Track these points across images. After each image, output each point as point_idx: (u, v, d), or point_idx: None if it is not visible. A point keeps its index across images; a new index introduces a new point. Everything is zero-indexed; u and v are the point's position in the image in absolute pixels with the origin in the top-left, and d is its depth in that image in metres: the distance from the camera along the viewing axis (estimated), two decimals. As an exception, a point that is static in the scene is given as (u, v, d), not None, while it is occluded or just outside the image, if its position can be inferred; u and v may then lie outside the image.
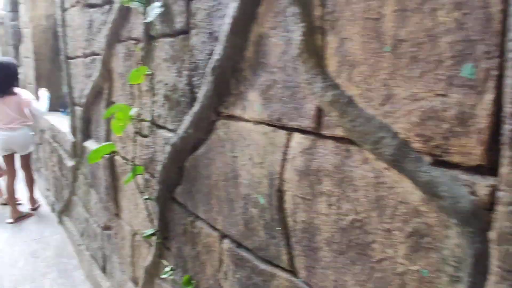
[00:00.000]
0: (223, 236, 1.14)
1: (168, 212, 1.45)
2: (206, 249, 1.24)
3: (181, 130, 1.21)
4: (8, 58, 3.87)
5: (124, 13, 1.57)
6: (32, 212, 3.70)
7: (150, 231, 1.44)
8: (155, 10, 1.24)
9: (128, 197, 1.84)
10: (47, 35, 3.91)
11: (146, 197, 1.47)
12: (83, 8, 2.12)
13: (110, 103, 1.92)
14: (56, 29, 3.96)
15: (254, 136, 0.95)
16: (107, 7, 1.79)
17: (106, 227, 2.24)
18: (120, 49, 1.70)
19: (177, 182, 1.37)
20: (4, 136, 3.43)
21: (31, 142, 3.72)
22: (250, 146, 0.97)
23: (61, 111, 3.95)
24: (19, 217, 3.52)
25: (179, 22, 1.20)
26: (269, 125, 0.91)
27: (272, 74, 0.87)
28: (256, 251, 1.01)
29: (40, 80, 3.96)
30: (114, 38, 1.72)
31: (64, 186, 3.30)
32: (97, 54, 1.97)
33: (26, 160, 3.68)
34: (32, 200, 3.81)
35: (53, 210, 3.72)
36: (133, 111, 1.30)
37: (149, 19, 1.25)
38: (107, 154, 1.52)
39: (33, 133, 3.81)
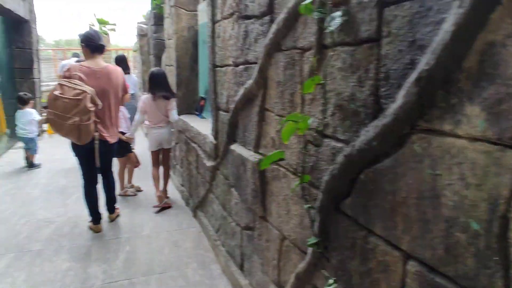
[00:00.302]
0: (408, 257, 1.07)
1: (331, 223, 1.43)
2: (382, 268, 1.17)
3: (359, 141, 1.18)
4: (159, 68, 4.43)
5: (290, 23, 1.61)
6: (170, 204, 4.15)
7: (313, 239, 1.44)
8: (336, 19, 1.23)
9: (278, 202, 1.88)
10: (187, 45, 4.32)
11: (308, 205, 1.47)
12: (237, 20, 2.25)
13: (263, 109, 2.00)
14: (196, 40, 4.36)
15: (469, 154, 0.86)
16: (266, 18, 1.87)
17: (248, 228, 2.34)
18: (280, 58, 1.75)
19: (345, 194, 1.34)
20: (156, 134, 4.04)
21: (173, 138, 4.27)
22: (462, 165, 0.88)
23: (196, 114, 4.31)
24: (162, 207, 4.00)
25: (365, 30, 1.16)
26: (494, 143, 0.81)
27: (505, 87, 0.77)
28: (459, 280, 0.91)
29: (180, 86, 4.38)
30: (275, 47, 1.78)
31: (200, 184, 3.59)
32: (252, 63, 2.07)
33: (168, 154, 4.24)
34: (165, 192, 4.24)
35: (187, 204, 4.08)
36: (310, 121, 1.31)
37: (330, 28, 1.24)
38: (275, 161, 1.57)
39: (173, 129, 4.33)
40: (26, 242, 3.19)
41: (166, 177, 4.26)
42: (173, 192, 4.56)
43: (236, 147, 2.42)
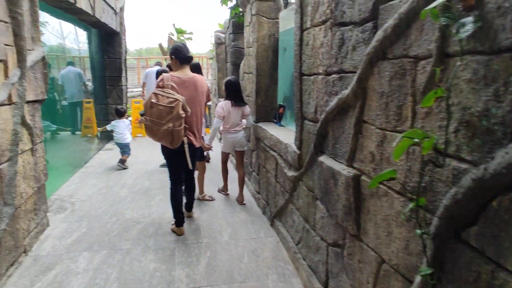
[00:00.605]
0: None
1: (449, 253, 1.27)
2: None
3: (495, 164, 1.02)
4: (235, 77, 4.62)
5: (401, 30, 1.48)
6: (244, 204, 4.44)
7: (426, 270, 1.29)
8: (468, 25, 1.09)
9: (376, 222, 1.75)
10: (268, 53, 4.32)
11: (421, 231, 1.32)
12: (331, 27, 2.16)
13: (360, 121, 1.88)
14: (276, 47, 4.34)
15: None
16: (369, 25, 1.75)
17: (336, 244, 2.23)
18: (385, 67, 1.63)
19: (470, 222, 1.18)
20: (232, 138, 4.37)
21: (246, 142, 4.65)
22: None
23: (275, 122, 4.29)
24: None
25: (506, 38, 1.01)
26: None
27: None
28: None
29: (259, 93, 4.40)
30: (378, 56, 1.66)
31: (278, 193, 3.54)
32: (348, 72, 1.97)
33: (242, 157, 4.56)
34: (241, 197, 4.46)
35: (264, 212, 4.06)
36: (430, 138, 1.18)
37: (459, 35, 1.10)
38: (385, 180, 1.45)
39: (245, 134, 4.59)
40: (117, 240, 3.40)
41: (242, 181, 4.49)
42: (249, 199, 4.58)
43: (325, 159, 2.33)
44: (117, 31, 8.04)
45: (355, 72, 1.88)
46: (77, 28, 8.13)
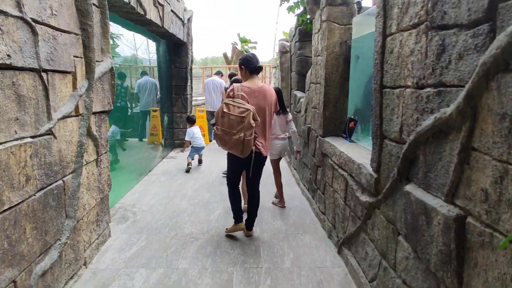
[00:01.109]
0: None
1: None
2: None
3: None
4: (277, 87, 4.81)
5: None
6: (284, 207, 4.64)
7: None
8: None
9: (488, 281, 1.34)
10: (338, 62, 3.98)
11: None
12: (427, 31, 1.79)
13: (467, 148, 1.49)
14: (348, 56, 3.99)
15: None
16: (483, 27, 1.37)
17: (426, 295, 1.82)
18: (508, 82, 1.24)
19: None
20: (279, 144, 4.53)
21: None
22: None
23: (344, 137, 3.92)
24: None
25: None
26: None
27: None
28: None
29: (328, 105, 4.06)
30: (498, 67, 1.28)
31: (348, 217, 3.17)
32: (451, 86, 1.59)
33: (278, 162, 4.71)
34: (281, 199, 4.70)
35: (329, 236, 3.70)
36: None
37: None
38: None
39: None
40: (174, 257, 3.27)
41: (280, 187, 4.72)
42: (312, 219, 4.24)
43: (413, 189, 1.94)
44: (184, 41, 8.19)
45: (462, 86, 1.50)
46: (148, 39, 8.45)
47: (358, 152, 3.24)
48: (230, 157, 3.53)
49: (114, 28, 6.43)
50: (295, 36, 6.41)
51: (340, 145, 3.59)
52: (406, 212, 2.00)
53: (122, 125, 7.34)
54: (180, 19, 7.49)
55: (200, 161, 7.09)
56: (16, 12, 2.01)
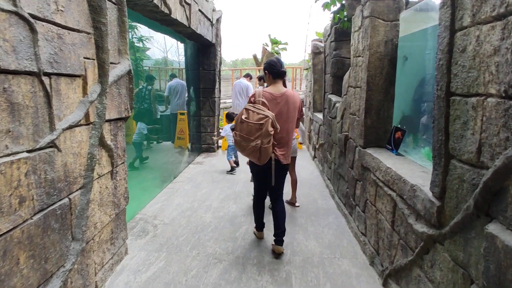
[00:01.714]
0: None
1: None
2: None
3: None
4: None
5: None
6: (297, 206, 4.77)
7: None
8: None
9: None
10: (383, 63, 3.50)
11: None
12: (527, 21, 1.32)
13: None
14: (394, 56, 3.49)
15: None
16: None
17: None
18: None
19: None
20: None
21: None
22: None
23: (389, 149, 3.43)
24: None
25: None
26: None
27: None
28: None
29: (370, 112, 3.59)
30: None
31: (396, 245, 2.69)
32: None
33: (293, 162, 4.74)
34: (294, 198, 4.83)
35: (372, 263, 3.22)
36: None
37: None
38: None
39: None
40: (195, 284, 2.90)
41: (294, 184, 4.80)
42: (351, 239, 3.77)
43: (499, 231, 1.46)
44: (213, 42, 7.89)
45: None
46: (178, 41, 8.23)
47: (409, 169, 2.76)
48: (251, 164, 3.47)
49: (145, 31, 6.27)
50: (330, 35, 5.93)
51: (386, 159, 3.11)
52: (488, 260, 1.52)
53: (150, 129, 7.15)
54: (209, 19, 7.18)
55: (236, 163, 6.79)
56: (9, 6, 1.70)
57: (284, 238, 3.45)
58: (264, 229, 3.79)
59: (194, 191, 5.41)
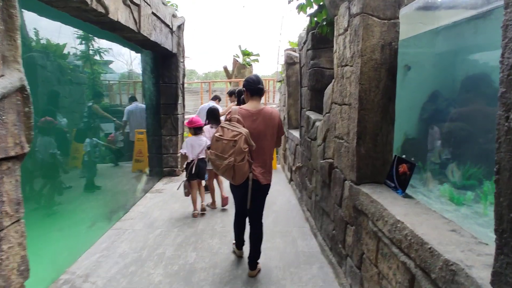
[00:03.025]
0: None
1: None
2: None
3: None
4: (214, 105, 5.45)
5: None
6: None
7: None
8: None
9: None
10: (379, 74, 2.68)
11: None
12: None
13: None
14: (394, 65, 2.69)
15: None
16: None
17: None
18: None
19: None
20: None
21: None
22: None
23: (391, 186, 2.59)
24: None
25: None
26: None
27: None
28: None
29: (364, 137, 2.75)
30: None
31: None
32: None
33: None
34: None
35: None
36: None
37: None
38: None
39: None
40: None
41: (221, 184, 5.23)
42: (342, 303, 2.87)
43: None
44: (174, 52, 6.96)
45: None
46: (132, 51, 7.25)
47: (431, 224, 1.91)
48: (230, 185, 3.38)
49: (104, 42, 5.31)
50: (306, 42, 5.13)
51: (391, 204, 2.25)
52: None
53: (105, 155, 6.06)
54: (167, 25, 6.26)
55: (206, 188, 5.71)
56: None
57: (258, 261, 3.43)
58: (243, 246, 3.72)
59: (145, 233, 4.39)
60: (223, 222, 4.74)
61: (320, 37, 4.73)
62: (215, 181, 5.36)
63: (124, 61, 7.46)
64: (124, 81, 9.34)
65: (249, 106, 3.22)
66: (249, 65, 16.86)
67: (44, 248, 3.69)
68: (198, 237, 4.22)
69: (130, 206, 5.44)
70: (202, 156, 4.86)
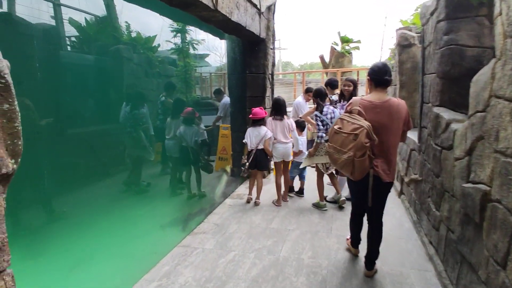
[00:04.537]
0: None
1: None
2: None
3: None
4: (279, 96, 5.30)
5: None
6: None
7: None
8: None
9: None
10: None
11: None
12: None
13: None
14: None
15: None
16: None
17: None
18: None
19: None
20: (281, 148, 5.00)
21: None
22: None
23: None
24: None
25: None
26: None
27: None
28: None
29: None
30: None
31: None
32: None
33: (287, 166, 5.19)
34: (286, 195, 5.32)
35: None
36: None
37: None
38: None
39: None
40: None
41: (286, 183, 5.26)
42: None
43: None
44: (262, 37, 6.06)
45: None
46: (217, 37, 6.57)
47: None
48: (348, 180, 3.25)
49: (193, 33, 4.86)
50: (436, 11, 3.71)
51: None
52: None
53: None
54: (254, 5, 5.36)
55: (300, 191, 5.62)
56: None
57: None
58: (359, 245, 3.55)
59: (216, 256, 3.57)
60: (314, 250, 3.69)
61: (458, 2, 3.32)
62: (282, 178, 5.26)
63: (217, 53, 6.95)
64: (214, 73, 8.84)
65: (373, 97, 2.96)
66: (349, 53, 15.28)
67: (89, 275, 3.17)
68: (279, 272, 3.24)
69: (205, 214, 4.73)
70: (260, 147, 4.95)
